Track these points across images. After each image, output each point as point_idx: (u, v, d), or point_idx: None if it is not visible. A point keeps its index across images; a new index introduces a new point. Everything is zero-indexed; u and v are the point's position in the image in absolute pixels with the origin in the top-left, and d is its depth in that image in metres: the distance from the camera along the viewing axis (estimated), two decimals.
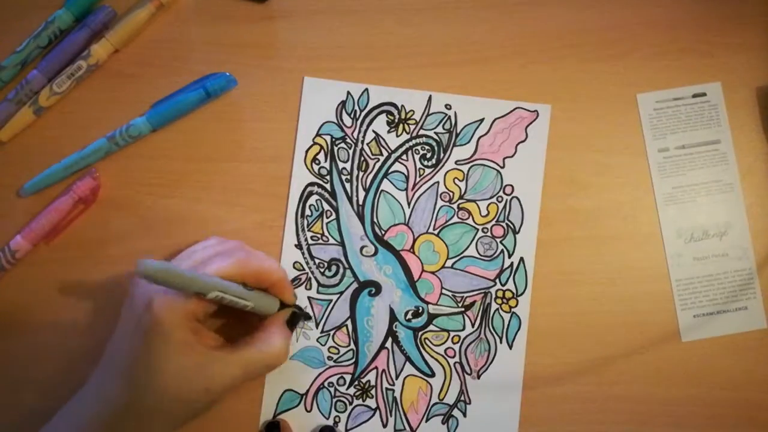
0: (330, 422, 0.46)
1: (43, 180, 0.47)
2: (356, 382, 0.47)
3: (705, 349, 0.47)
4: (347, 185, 0.48)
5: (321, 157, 0.49)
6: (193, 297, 0.39)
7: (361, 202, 0.48)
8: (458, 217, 0.48)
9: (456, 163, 0.49)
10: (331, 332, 0.47)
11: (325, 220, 0.48)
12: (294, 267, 0.48)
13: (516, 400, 0.46)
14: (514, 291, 0.47)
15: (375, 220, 0.48)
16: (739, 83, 0.49)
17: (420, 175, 0.48)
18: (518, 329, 0.47)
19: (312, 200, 0.48)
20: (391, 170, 0.48)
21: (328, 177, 0.48)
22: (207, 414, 0.45)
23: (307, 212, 0.48)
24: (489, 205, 0.48)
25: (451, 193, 0.48)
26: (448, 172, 0.48)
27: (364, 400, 0.47)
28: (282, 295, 0.44)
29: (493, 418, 0.46)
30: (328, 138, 0.49)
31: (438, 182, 0.48)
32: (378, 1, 0.49)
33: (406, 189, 0.48)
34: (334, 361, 0.47)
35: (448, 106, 0.49)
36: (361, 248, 0.48)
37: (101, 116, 0.48)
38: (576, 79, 0.49)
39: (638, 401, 0.46)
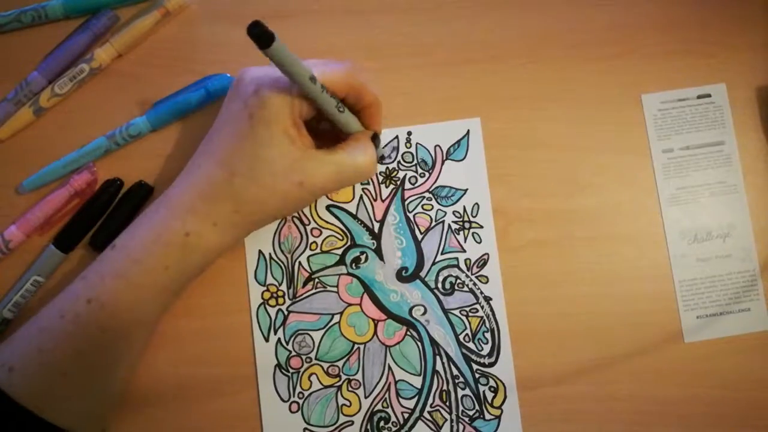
0: None
1: (41, 177, 0.47)
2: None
3: (707, 350, 0.47)
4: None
5: None
6: (299, 90, 0.39)
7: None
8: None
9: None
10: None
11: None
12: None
13: (514, 402, 0.46)
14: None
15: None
16: (744, 84, 0.49)
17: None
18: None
19: None
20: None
21: None
22: (207, 414, 0.46)
23: None
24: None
25: None
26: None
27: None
28: (371, 119, 0.44)
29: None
30: None
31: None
32: (378, 1, 0.49)
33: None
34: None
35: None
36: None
37: (101, 116, 0.48)
38: (579, 79, 0.49)
39: (640, 401, 0.46)
